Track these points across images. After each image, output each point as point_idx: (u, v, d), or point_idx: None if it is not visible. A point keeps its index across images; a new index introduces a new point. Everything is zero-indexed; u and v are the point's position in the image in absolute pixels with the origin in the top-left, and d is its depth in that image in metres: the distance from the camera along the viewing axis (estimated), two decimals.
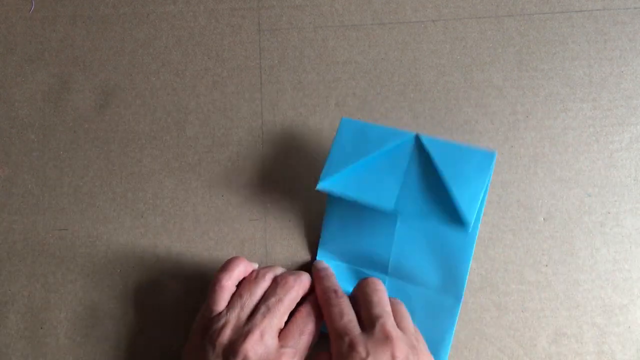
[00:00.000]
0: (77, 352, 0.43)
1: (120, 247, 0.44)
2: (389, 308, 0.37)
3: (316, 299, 0.39)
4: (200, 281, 0.43)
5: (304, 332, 0.38)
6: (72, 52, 0.45)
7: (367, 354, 0.34)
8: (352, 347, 0.35)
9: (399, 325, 0.37)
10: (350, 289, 0.41)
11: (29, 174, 0.44)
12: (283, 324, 0.38)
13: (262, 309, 0.37)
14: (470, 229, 0.34)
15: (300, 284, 0.39)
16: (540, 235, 0.43)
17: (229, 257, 0.42)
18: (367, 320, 0.37)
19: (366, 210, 0.41)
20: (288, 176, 0.44)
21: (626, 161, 0.44)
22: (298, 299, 0.39)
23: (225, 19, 0.45)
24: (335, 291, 0.39)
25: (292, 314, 0.38)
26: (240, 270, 0.39)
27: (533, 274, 0.43)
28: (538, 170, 0.44)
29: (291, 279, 0.38)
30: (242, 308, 0.38)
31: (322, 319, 0.38)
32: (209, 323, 0.38)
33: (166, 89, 0.45)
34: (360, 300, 0.38)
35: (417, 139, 0.37)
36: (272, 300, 0.37)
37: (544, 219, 0.43)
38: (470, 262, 0.40)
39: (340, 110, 0.44)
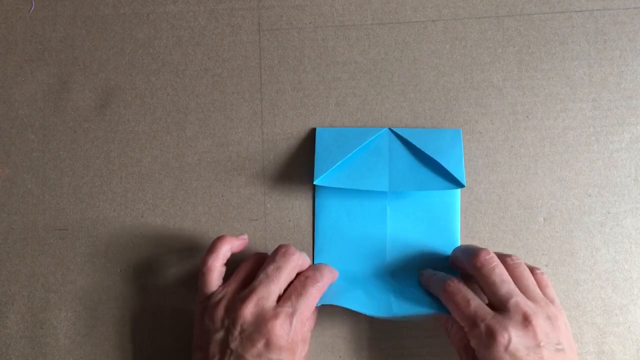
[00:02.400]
0: (77, 352, 0.43)
1: (120, 247, 0.44)
2: (513, 284, 0.36)
3: (314, 267, 0.39)
4: None
5: (303, 294, 0.36)
6: (72, 52, 0.45)
7: (509, 340, 0.34)
8: (491, 334, 0.34)
9: (526, 294, 0.36)
10: (357, 291, 0.40)
11: (29, 174, 0.44)
12: (282, 292, 0.37)
13: (261, 276, 0.37)
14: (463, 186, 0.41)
15: (301, 255, 0.38)
16: (540, 235, 0.43)
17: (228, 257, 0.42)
18: (496, 301, 0.36)
19: (357, 206, 0.43)
20: (288, 176, 0.44)
21: (626, 161, 0.44)
22: (297, 269, 0.38)
23: (225, 19, 0.45)
24: (451, 279, 0.38)
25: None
26: (225, 249, 0.39)
27: None
28: (538, 170, 0.44)
29: (292, 249, 0.38)
30: (238, 282, 0.38)
31: (324, 282, 0.38)
32: (206, 303, 0.38)
33: (166, 89, 0.45)
34: (481, 283, 0.37)
35: (391, 131, 0.43)
36: (271, 267, 0.37)
37: (544, 219, 0.43)
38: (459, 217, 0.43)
39: (340, 110, 0.44)
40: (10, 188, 0.44)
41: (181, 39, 0.45)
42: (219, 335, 0.36)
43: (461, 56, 0.45)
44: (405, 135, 0.43)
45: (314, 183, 0.41)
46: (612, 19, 0.44)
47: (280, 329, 0.35)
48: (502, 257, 0.38)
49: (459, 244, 0.42)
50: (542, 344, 0.34)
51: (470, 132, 0.44)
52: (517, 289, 0.36)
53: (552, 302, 0.37)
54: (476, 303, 0.36)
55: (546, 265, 0.43)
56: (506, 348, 0.33)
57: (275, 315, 0.35)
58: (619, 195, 0.43)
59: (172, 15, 0.45)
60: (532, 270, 0.38)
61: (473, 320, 0.35)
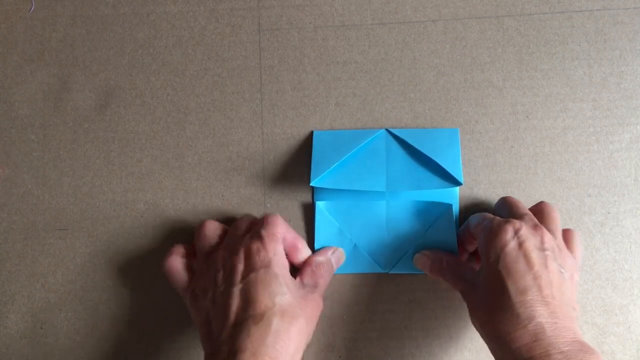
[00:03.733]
0: (77, 352, 0.43)
1: (120, 247, 0.44)
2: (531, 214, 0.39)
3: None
4: None
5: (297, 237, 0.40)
6: (72, 52, 0.45)
7: (520, 227, 0.36)
8: (504, 221, 0.36)
9: (546, 226, 0.38)
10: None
11: (29, 174, 0.44)
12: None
13: (260, 228, 0.39)
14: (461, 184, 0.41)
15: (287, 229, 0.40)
16: None
17: None
18: (514, 216, 0.38)
19: (355, 207, 0.43)
20: (288, 176, 0.44)
21: (626, 161, 0.44)
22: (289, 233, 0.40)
23: (225, 19, 0.45)
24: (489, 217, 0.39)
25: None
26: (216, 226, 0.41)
27: None
28: (538, 170, 0.44)
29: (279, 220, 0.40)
30: (237, 234, 0.39)
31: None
32: (206, 254, 0.39)
33: (166, 89, 0.45)
34: (507, 208, 0.40)
35: (388, 132, 0.43)
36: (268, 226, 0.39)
37: None
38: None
39: (340, 110, 0.44)
40: (10, 188, 0.44)
41: (181, 39, 0.45)
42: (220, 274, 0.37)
43: (461, 56, 0.45)
44: (402, 136, 0.43)
45: (311, 184, 0.41)
46: (612, 19, 0.44)
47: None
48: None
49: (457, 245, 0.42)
50: (547, 251, 0.35)
51: (470, 132, 0.44)
52: (534, 218, 0.38)
53: (573, 254, 0.39)
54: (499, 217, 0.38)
55: None
56: (516, 232, 0.35)
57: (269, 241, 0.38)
58: (619, 195, 0.43)
59: (172, 15, 0.45)
60: (568, 230, 0.40)
61: (488, 218, 0.38)
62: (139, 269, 0.44)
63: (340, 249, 0.42)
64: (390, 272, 0.43)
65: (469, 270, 0.38)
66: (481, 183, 0.44)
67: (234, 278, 0.36)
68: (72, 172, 0.44)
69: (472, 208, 0.43)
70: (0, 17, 0.45)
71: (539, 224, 0.37)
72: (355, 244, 0.43)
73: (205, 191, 0.44)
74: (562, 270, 0.35)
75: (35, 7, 0.45)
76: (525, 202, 0.43)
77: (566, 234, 0.39)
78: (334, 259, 0.42)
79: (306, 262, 0.40)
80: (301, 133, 0.44)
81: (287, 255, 0.39)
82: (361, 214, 0.43)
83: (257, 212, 0.44)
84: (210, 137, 0.44)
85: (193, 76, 0.45)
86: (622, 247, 0.43)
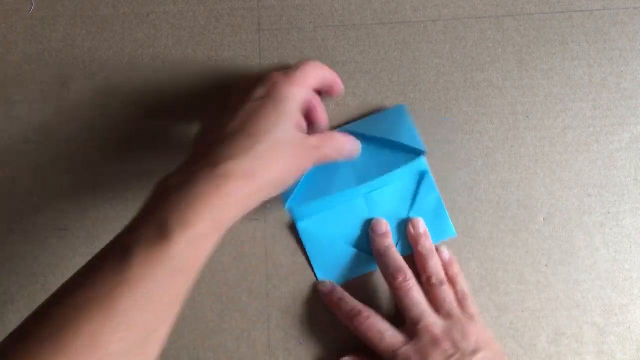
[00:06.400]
0: None
1: None
2: (425, 305, 0.39)
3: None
4: (201, 279, 0.43)
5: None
6: (72, 52, 0.45)
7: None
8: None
9: (440, 312, 0.39)
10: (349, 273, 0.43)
11: (29, 174, 0.44)
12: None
13: None
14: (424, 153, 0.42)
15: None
16: (540, 235, 0.43)
17: (229, 257, 0.42)
18: (409, 322, 0.39)
19: (336, 213, 0.43)
20: None
21: (626, 161, 0.44)
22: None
23: (225, 19, 0.45)
24: (361, 313, 0.39)
25: None
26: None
27: (533, 274, 0.43)
28: (538, 170, 0.44)
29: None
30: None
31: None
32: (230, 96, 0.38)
33: (166, 89, 0.45)
34: (397, 302, 0.40)
35: (342, 130, 0.42)
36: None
37: (544, 219, 0.43)
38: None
39: (341, 110, 0.44)
40: (10, 188, 0.44)
41: (181, 39, 0.45)
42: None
43: (461, 56, 0.45)
44: (354, 129, 0.42)
45: (286, 207, 0.42)
46: (612, 19, 0.44)
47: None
48: (426, 273, 0.40)
49: (445, 213, 0.43)
50: (452, 358, 0.36)
51: (470, 132, 0.44)
52: (428, 310, 0.38)
53: (467, 313, 0.39)
54: (389, 334, 0.38)
55: (546, 265, 0.43)
56: None
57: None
58: (619, 195, 0.43)
59: (172, 15, 0.45)
60: (453, 280, 0.41)
61: (390, 353, 0.37)
62: None
63: (357, 143, 0.40)
64: None
65: None
66: (481, 183, 0.44)
67: (251, 94, 0.35)
68: (72, 172, 0.44)
69: (472, 208, 0.43)
70: (0, 17, 0.45)
71: (436, 335, 0.37)
72: (351, 247, 0.43)
73: None
74: (473, 348, 0.37)
75: (35, 7, 0.45)
76: (526, 201, 0.43)
77: (457, 295, 0.40)
78: (348, 142, 0.39)
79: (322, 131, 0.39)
80: None
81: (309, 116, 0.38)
82: (344, 216, 0.43)
83: (257, 212, 0.44)
84: None
85: (193, 76, 0.45)
86: (622, 247, 0.43)
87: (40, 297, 0.43)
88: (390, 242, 0.42)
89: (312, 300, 0.43)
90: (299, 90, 0.36)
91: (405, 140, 0.42)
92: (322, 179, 0.42)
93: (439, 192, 0.43)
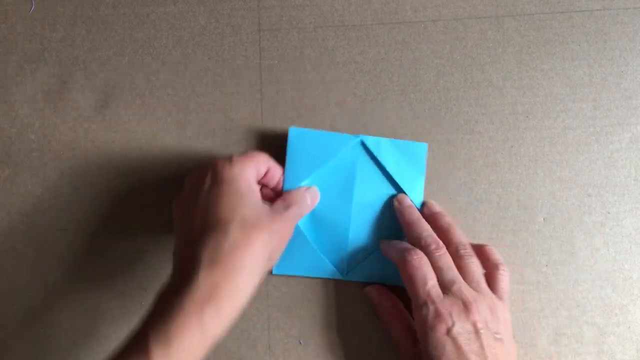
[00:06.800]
0: (77, 352, 0.43)
1: (120, 247, 0.44)
2: (457, 272, 0.38)
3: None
4: None
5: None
6: (72, 52, 0.45)
7: (453, 324, 0.36)
8: (438, 316, 0.36)
9: (470, 284, 0.38)
10: (314, 255, 0.42)
11: (29, 174, 0.44)
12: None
13: None
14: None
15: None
16: (540, 235, 0.43)
17: None
18: (441, 285, 0.38)
19: (321, 212, 0.42)
20: None
21: (626, 161, 0.44)
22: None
23: (225, 19, 0.45)
24: (415, 250, 0.39)
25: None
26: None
27: (533, 274, 0.43)
28: (538, 170, 0.44)
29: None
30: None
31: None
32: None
33: (166, 89, 0.45)
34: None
35: (362, 143, 0.42)
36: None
37: (544, 219, 0.43)
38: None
39: (341, 110, 0.44)
40: (10, 188, 0.44)
41: (181, 39, 0.45)
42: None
43: (461, 56, 0.45)
44: (372, 147, 0.42)
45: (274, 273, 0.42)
46: (612, 19, 0.44)
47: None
48: (452, 245, 0.40)
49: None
50: (480, 330, 0.36)
51: (470, 132, 0.44)
52: (460, 277, 0.38)
53: (498, 295, 0.39)
54: (432, 283, 0.37)
55: (546, 265, 0.43)
56: (449, 331, 0.35)
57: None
58: (619, 195, 0.44)
59: (172, 15, 0.45)
60: (495, 265, 0.40)
61: (424, 300, 0.37)
62: (139, 269, 0.44)
63: (314, 187, 0.41)
64: (347, 279, 0.42)
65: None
66: (481, 183, 0.44)
67: (201, 188, 0.36)
68: (72, 173, 0.44)
69: (472, 208, 0.43)
70: (0, 17, 0.45)
71: (468, 300, 0.37)
72: (316, 248, 0.42)
73: None
74: (499, 337, 0.36)
75: (35, 7, 0.45)
76: (526, 201, 0.43)
77: (490, 274, 0.40)
78: (308, 194, 0.40)
79: (279, 195, 0.40)
80: None
81: (264, 186, 0.40)
82: (326, 218, 0.42)
83: None
84: (210, 137, 0.44)
85: (193, 76, 0.45)
86: (622, 247, 0.43)
87: (40, 297, 0.43)
88: (419, 213, 0.42)
89: (312, 300, 0.43)
90: (242, 166, 0.37)
91: (407, 186, 0.42)
92: (322, 189, 0.42)
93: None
